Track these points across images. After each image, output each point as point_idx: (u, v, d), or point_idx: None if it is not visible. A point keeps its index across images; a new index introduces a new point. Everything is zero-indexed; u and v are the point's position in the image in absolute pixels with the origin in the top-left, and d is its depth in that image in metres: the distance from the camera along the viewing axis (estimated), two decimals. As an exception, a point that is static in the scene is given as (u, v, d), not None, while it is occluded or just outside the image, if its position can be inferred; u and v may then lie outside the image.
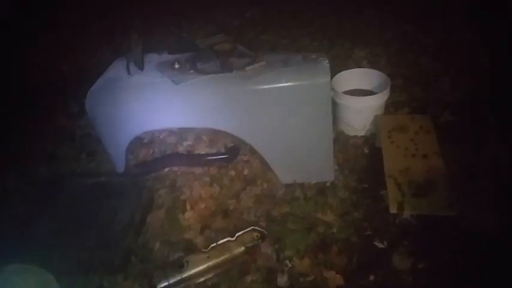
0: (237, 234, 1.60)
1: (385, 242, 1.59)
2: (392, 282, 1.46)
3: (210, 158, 2.05)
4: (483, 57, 2.53)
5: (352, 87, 2.25)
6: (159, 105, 1.76)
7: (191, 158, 2.08)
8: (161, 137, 2.22)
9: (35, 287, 1.29)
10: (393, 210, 1.66)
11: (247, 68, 1.70)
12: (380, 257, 1.54)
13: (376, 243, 1.59)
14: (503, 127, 2.01)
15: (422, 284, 1.44)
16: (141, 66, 1.79)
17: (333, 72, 2.14)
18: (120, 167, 2.00)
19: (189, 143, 2.17)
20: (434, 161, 1.80)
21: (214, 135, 2.16)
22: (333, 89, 2.05)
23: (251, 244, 1.61)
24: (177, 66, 1.78)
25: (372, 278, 1.48)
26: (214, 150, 2.10)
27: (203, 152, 2.10)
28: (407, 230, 1.62)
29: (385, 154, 1.87)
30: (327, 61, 1.70)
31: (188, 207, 1.81)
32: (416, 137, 1.92)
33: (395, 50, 2.82)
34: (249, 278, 1.51)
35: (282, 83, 1.65)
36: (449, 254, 1.52)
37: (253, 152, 2.00)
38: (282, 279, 1.50)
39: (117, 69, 1.89)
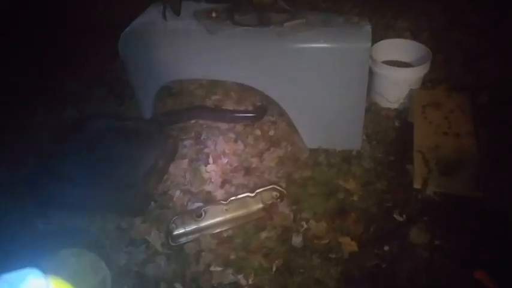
0: (256, 191, 1.61)
1: (404, 216, 1.57)
2: (406, 254, 1.45)
3: (237, 114, 2.05)
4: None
5: (391, 58, 2.17)
6: (192, 54, 1.74)
7: (218, 113, 2.08)
8: (190, 88, 2.21)
9: (89, 269, 1.35)
10: (417, 185, 1.63)
11: (285, 24, 1.65)
12: (397, 229, 1.53)
13: (395, 216, 1.58)
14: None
15: (437, 260, 1.43)
16: (177, 12, 1.76)
17: (373, 41, 2.06)
18: (148, 114, 2.02)
19: (218, 97, 2.16)
20: (467, 141, 1.74)
21: (244, 92, 2.13)
22: (371, 57, 1.98)
23: (270, 202, 1.63)
24: (214, 15, 1.75)
25: (386, 248, 1.48)
26: (241, 108, 2.09)
27: (230, 108, 2.09)
28: (428, 206, 1.59)
29: (417, 129, 1.81)
30: (370, 26, 1.63)
31: (211, 160, 1.83)
32: (451, 115, 1.85)
33: (440, 24, 2.67)
34: (263, 235, 1.54)
35: (320, 43, 1.60)
36: (468, 234, 1.50)
37: (281, 113, 1.98)
38: (297, 239, 1.52)
39: (152, 13, 1.86)
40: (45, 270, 0.65)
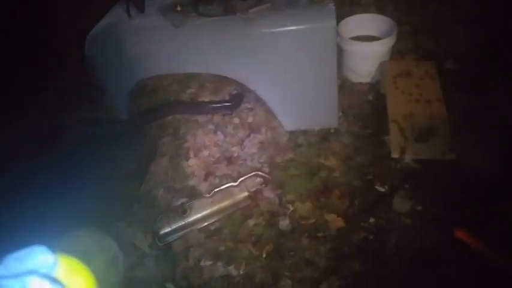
0: (239, 179, 1.63)
1: (386, 186, 1.62)
2: (391, 224, 1.50)
3: (213, 105, 2.05)
4: (494, 6, 2.44)
5: (359, 34, 2.19)
6: (160, 50, 1.72)
7: (195, 106, 2.08)
8: (164, 84, 2.19)
9: (99, 247, 1.36)
10: (395, 154, 1.68)
11: (250, 11, 1.65)
12: (381, 200, 1.58)
13: (377, 187, 1.62)
14: (506, 76, 1.99)
15: (420, 226, 1.48)
16: (141, 9, 1.74)
17: (340, 18, 2.09)
18: (123, 115, 2.00)
19: (193, 90, 2.15)
20: (437, 106, 1.79)
21: (219, 82, 2.13)
22: (339, 34, 2.00)
23: (254, 189, 1.65)
24: (178, 8, 1.73)
25: (372, 220, 1.52)
26: (218, 98, 2.09)
27: (207, 100, 2.09)
28: (408, 174, 1.64)
29: (389, 99, 1.85)
30: (333, 4, 1.64)
31: (192, 154, 1.83)
32: (421, 82, 1.90)
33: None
34: (251, 222, 1.56)
35: (286, 26, 1.60)
36: (447, 196, 1.56)
37: (257, 99, 1.98)
38: (284, 223, 1.55)
39: (116, 13, 1.83)
40: (54, 249, 0.64)
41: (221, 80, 2.06)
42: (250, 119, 1.97)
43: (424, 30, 2.35)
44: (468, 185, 1.57)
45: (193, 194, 1.68)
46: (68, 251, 0.71)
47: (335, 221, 1.52)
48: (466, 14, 2.42)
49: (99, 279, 1.16)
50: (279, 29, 1.61)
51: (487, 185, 1.57)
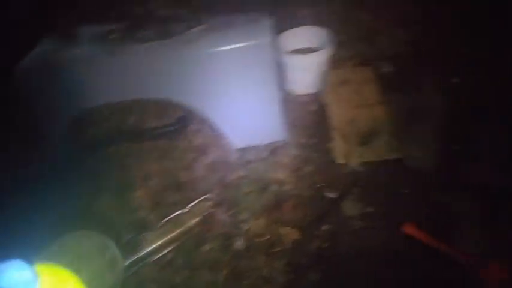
0: (189, 206, 1.59)
1: (335, 192, 1.64)
2: (344, 228, 1.52)
3: (158, 131, 2.00)
4: (417, 9, 2.59)
5: (299, 46, 2.25)
6: (97, 80, 1.68)
7: (138, 134, 2.02)
8: (105, 114, 2.12)
9: (93, 251, 1.21)
10: (341, 160, 1.71)
11: (187, 33, 1.65)
12: (332, 207, 1.60)
13: (327, 194, 1.64)
14: (437, 74, 2.10)
15: (372, 227, 1.51)
16: (74, 39, 1.69)
17: (279, 33, 2.14)
18: (62, 150, 1.91)
19: (136, 117, 2.09)
20: (377, 110, 1.85)
21: (163, 106, 2.08)
22: (278, 48, 2.04)
23: (206, 213, 1.61)
24: (112, 36, 1.70)
25: (325, 227, 1.53)
26: (163, 123, 2.04)
27: (151, 126, 2.04)
28: (355, 177, 1.68)
29: (331, 108, 1.90)
30: (269, 21, 1.68)
31: (138, 185, 1.77)
32: (360, 88, 1.96)
33: (339, 7, 2.81)
34: (205, 248, 1.52)
35: (223, 45, 1.61)
36: (396, 194, 1.60)
37: (204, 119, 1.96)
38: (239, 243, 1.52)
39: (47, 43, 1.76)
40: (44, 258, 0.65)
41: (165, 104, 2.02)
42: (198, 141, 1.94)
43: (359, 38, 2.44)
44: (413, 181, 1.63)
45: (143, 227, 1.61)
46: (58, 259, 0.71)
47: (289, 234, 1.52)
48: (396, 19, 2.56)
49: (99, 281, 1.06)
50: (217, 49, 1.61)
51: (429, 179, 1.64)
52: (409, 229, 1.45)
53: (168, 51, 1.64)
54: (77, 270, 0.72)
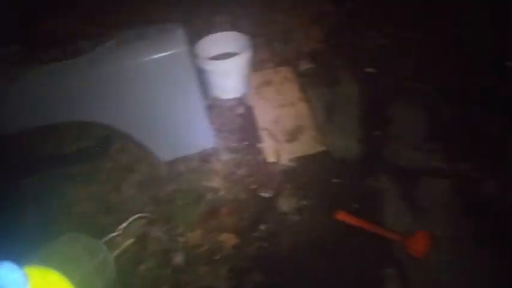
0: (120, 227, 1.52)
1: (270, 191, 1.66)
2: (281, 225, 1.54)
3: (79, 155, 1.89)
4: (328, 6, 2.74)
5: (218, 52, 2.25)
6: (1, 109, 1.54)
7: (58, 160, 1.89)
8: (18, 143, 1.95)
9: (84, 253, 1.24)
10: (272, 159, 1.73)
11: (96, 49, 1.56)
12: (267, 205, 1.61)
13: (262, 194, 1.65)
14: (353, 66, 2.23)
15: (308, 219, 1.55)
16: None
17: (197, 40, 2.12)
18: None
19: (53, 143, 1.95)
20: (300, 106, 1.91)
21: (81, 128, 1.98)
22: (198, 56, 2.03)
23: (140, 232, 1.54)
24: (13, 58, 1.56)
25: (263, 227, 1.54)
26: (83, 145, 1.93)
27: (71, 150, 1.92)
28: (287, 174, 1.71)
29: (257, 109, 1.92)
30: (182, 29, 1.65)
31: (63, 214, 1.65)
32: (281, 87, 2.01)
33: (254, 11, 2.87)
34: (142, 267, 1.46)
35: (136, 58, 1.55)
36: (326, 184, 1.66)
37: (127, 137, 1.88)
38: (178, 257, 1.47)
39: None
40: (34, 261, 0.63)
41: (83, 126, 1.92)
42: (123, 160, 1.87)
43: (276, 39, 2.51)
44: (340, 170, 1.70)
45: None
46: (49, 261, 0.70)
47: (229, 240, 1.50)
48: (311, 17, 2.67)
49: (89, 284, 1.05)
50: (129, 63, 1.54)
51: (355, 166, 1.72)
52: (342, 216, 1.50)
53: (78, 70, 1.53)
54: (67, 272, 0.72)
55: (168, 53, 1.57)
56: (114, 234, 1.50)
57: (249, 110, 2.03)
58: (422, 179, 1.64)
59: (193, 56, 1.84)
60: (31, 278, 0.61)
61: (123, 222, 1.56)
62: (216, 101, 2.13)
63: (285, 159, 1.74)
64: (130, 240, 1.51)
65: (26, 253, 0.98)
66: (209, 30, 2.53)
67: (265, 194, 1.65)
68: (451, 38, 2.36)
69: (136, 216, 1.57)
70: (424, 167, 1.69)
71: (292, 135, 1.79)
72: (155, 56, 1.55)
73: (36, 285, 0.61)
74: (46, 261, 0.68)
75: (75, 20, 1.81)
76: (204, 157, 1.83)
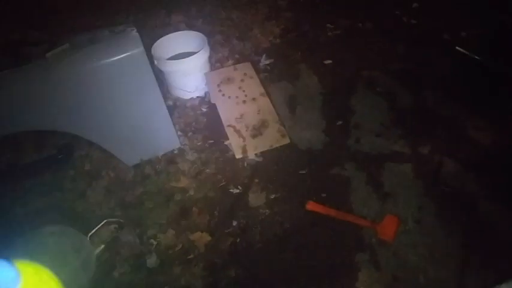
0: (89, 235, 1.47)
1: (239, 187, 1.67)
2: (253, 219, 1.56)
3: (40, 164, 1.81)
4: (282, 2, 2.78)
5: (176, 52, 2.23)
6: None
7: (17, 171, 1.80)
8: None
9: (70, 249, 1.22)
10: (239, 155, 1.74)
11: (48, 55, 1.50)
12: (238, 201, 1.62)
13: (231, 190, 1.66)
14: (310, 58, 2.28)
15: (278, 212, 1.57)
16: None
17: (153, 41, 2.09)
18: None
19: (10, 154, 1.86)
20: (263, 101, 1.93)
21: (39, 136, 1.90)
22: (156, 57, 2.00)
23: (110, 238, 1.51)
24: None
25: (235, 223, 1.55)
26: (44, 155, 1.86)
27: (31, 160, 1.84)
28: (255, 169, 1.73)
29: (220, 107, 1.92)
30: (136, 30, 1.61)
31: (27, 224, 1.58)
32: (242, 84, 2.02)
33: (209, 9, 2.86)
34: (116, 273, 1.43)
35: (91, 63, 1.50)
36: (294, 175, 1.69)
37: (90, 143, 1.84)
38: (152, 260, 1.46)
39: None
40: (21, 255, 0.60)
41: (42, 134, 1.85)
42: (87, 166, 1.81)
43: (234, 36, 2.52)
44: (307, 161, 1.74)
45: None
46: (35, 256, 0.66)
47: (201, 238, 1.50)
48: (266, 13, 2.70)
49: (74, 281, 1.06)
50: (83, 68, 1.49)
51: (320, 156, 1.77)
52: (312, 206, 1.54)
53: (29, 78, 1.47)
54: (55, 269, 0.71)
55: (123, 55, 1.53)
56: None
57: (212, 108, 2.03)
58: (385, 164, 1.71)
59: (150, 57, 1.82)
60: (22, 275, 0.60)
61: (90, 229, 1.52)
62: (178, 102, 2.11)
63: (252, 154, 1.76)
64: (101, 247, 1.47)
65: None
66: (165, 31, 2.51)
67: (235, 190, 1.66)
68: (402, 26, 2.47)
69: (104, 222, 1.52)
70: (386, 153, 1.76)
71: (257, 130, 1.81)
72: (110, 60, 1.51)
73: (28, 283, 0.59)
74: (34, 256, 0.67)
75: (25, 26, 1.72)
76: (171, 158, 1.82)
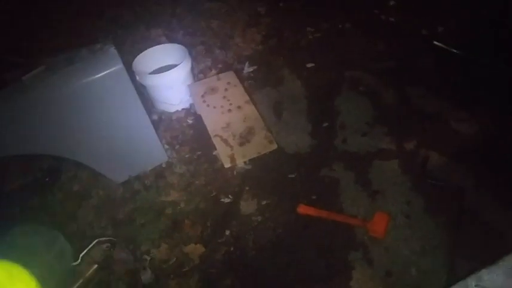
0: (80, 255, 1.46)
1: (230, 196, 1.67)
2: (245, 227, 1.55)
3: (26, 189, 1.79)
4: (261, 9, 2.81)
5: (158, 66, 2.23)
6: None
7: (2, 199, 1.78)
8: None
9: (41, 245, 1.27)
10: (227, 164, 1.75)
11: (24, 78, 1.49)
12: (229, 210, 1.62)
13: (222, 200, 1.66)
14: (294, 64, 2.30)
15: (270, 218, 1.57)
16: None
17: (133, 57, 2.09)
18: None
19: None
20: (248, 109, 1.94)
21: (24, 160, 1.88)
22: (137, 72, 2.00)
23: (103, 257, 1.50)
24: None
25: (227, 233, 1.55)
26: (29, 179, 1.84)
27: (16, 184, 1.82)
28: (245, 177, 1.73)
29: (205, 117, 1.93)
30: (114, 47, 1.61)
31: (17, 250, 1.56)
32: (226, 93, 2.03)
33: (189, 20, 2.87)
34: (112, 291, 1.42)
35: (70, 83, 1.49)
36: (283, 180, 1.70)
37: (77, 163, 1.82)
38: (146, 276, 1.45)
39: None
40: None
41: (27, 157, 1.83)
42: (75, 187, 1.80)
43: (215, 46, 2.53)
44: (295, 165, 1.75)
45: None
46: (11, 248, 0.72)
47: (195, 250, 1.50)
48: (246, 20, 2.72)
49: (49, 273, 1.10)
50: (62, 89, 1.47)
51: (308, 159, 1.78)
52: (303, 209, 1.55)
53: (6, 101, 1.46)
54: (26, 264, 0.75)
55: (103, 73, 1.52)
56: (75, 263, 1.44)
57: (197, 119, 2.03)
58: (373, 162, 1.73)
59: (131, 73, 1.81)
60: None
61: (82, 250, 1.51)
62: (163, 115, 2.11)
63: (241, 163, 1.76)
64: (94, 267, 1.46)
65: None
66: (145, 45, 2.51)
67: (226, 200, 1.66)
68: (381, 24, 2.51)
69: (95, 241, 1.52)
70: (373, 151, 1.77)
71: (244, 138, 1.81)
72: (89, 79, 1.50)
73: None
74: (4, 254, 0.68)
75: (0, 50, 1.71)
76: (159, 172, 1.81)
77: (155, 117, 2.07)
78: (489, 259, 0.88)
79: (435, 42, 2.23)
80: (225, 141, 1.81)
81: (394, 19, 2.53)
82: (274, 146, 1.79)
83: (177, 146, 1.92)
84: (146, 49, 2.22)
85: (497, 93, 1.90)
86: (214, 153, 1.84)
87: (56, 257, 1.23)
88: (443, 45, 2.21)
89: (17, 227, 1.27)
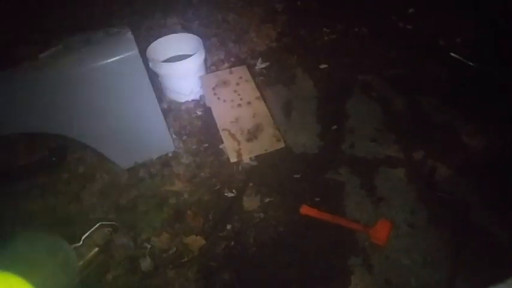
0: (82, 238, 1.46)
1: (234, 190, 1.67)
2: (247, 224, 1.56)
3: (32, 167, 1.80)
4: (279, 5, 2.79)
5: (171, 54, 2.22)
6: None
7: (9, 174, 1.79)
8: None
9: (44, 254, 1.19)
10: (233, 159, 1.75)
11: (40, 56, 1.49)
12: (232, 205, 1.62)
13: (226, 194, 1.66)
14: (307, 64, 2.29)
15: (272, 215, 1.58)
16: None
17: (148, 43, 2.08)
18: None
19: (2, 156, 1.85)
20: (258, 105, 1.93)
21: (32, 138, 1.89)
22: (151, 59, 1.99)
23: (104, 241, 1.50)
24: None
25: (229, 227, 1.55)
26: (36, 157, 1.85)
27: (23, 163, 1.83)
28: (250, 172, 1.73)
29: (215, 110, 1.92)
30: (130, 32, 1.61)
31: (20, 227, 1.57)
32: (238, 87, 2.02)
33: (205, 11, 2.86)
34: (110, 276, 1.43)
35: (86, 64, 1.50)
36: (288, 179, 1.70)
37: (83, 146, 1.83)
38: (145, 263, 1.46)
39: None
40: None
41: (34, 136, 1.83)
42: (81, 169, 1.81)
43: (230, 39, 2.53)
44: (301, 165, 1.75)
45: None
46: (12, 258, 0.69)
47: (195, 242, 1.50)
48: (262, 16, 2.71)
49: (52, 284, 1.04)
50: (77, 70, 1.48)
51: (315, 160, 1.77)
52: (306, 210, 1.55)
53: (21, 79, 1.46)
54: (27, 275, 0.71)
55: (118, 57, 1.52)
56: (77, 245, 1.44)
57: (207, 111, 2.03)
58: (379, 169, 1.72)
59: (145, 59, 1.81)
60: None
61: (84, 232, 1.51)
62: (172, 105, 2.11)
63: (247, 158, 1.76)
64: (95, 250, 1.47)
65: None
66: (161, 33, 2.50)
67: (229, 194, 1.66)
68: (398, 31, 2.49)
69: (98, 224, 1.52)
70: (380, 157, 1.77)
71: (252, 134, 1.81)
72: (104, 62, 1.50)
73: None
74: (4, 265, 0.66)
75: (18, 26, 1.71)
76: (165, 161, 1.81)
77: (165, 105, 2.07)
78: (492, 277, 0.88)
79: (452, 54, 2.21)
80: (233, 135, 1.81)
81: (411, 27, 2.51)
82: (282, 145, 1.79)
83: (184, 137, 1.92)
84: (161, 37, 2.21)
85: (509, 109, 1.89)
86: (221, 146, 1.84)
87: (60, 265, 1.19)
88: (459, 57, 2.19)
89: (18, 234, 1.22)
